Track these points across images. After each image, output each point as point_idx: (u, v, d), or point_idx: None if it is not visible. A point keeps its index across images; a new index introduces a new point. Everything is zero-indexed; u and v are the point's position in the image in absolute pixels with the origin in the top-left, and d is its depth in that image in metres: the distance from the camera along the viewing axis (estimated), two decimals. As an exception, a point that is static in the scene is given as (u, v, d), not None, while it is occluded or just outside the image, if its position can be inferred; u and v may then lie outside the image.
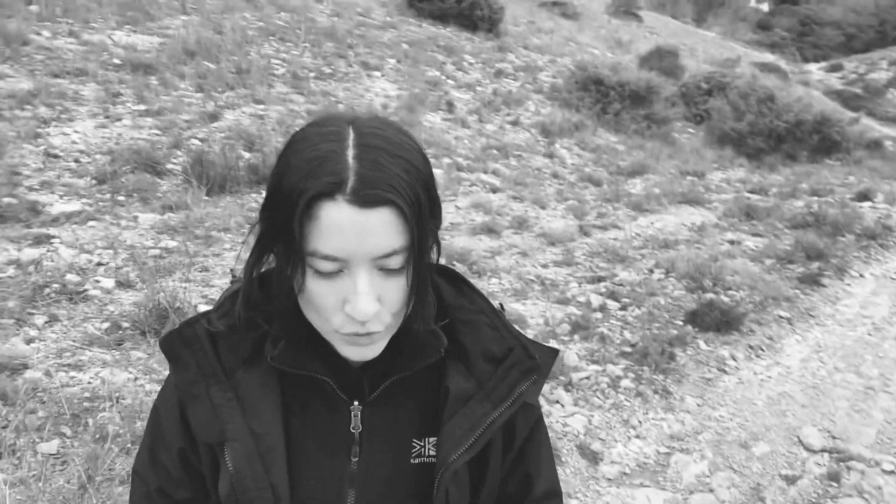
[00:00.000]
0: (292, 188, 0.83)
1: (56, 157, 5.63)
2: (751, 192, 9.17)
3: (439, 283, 1.04)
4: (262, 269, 0.95)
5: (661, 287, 5.36)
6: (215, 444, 0.98)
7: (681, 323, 4.80)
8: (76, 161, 5.66)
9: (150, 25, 9.07)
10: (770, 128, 12.80)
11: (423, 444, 1.02)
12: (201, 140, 6.57)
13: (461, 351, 1.02)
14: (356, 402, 1.00)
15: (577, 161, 9.67)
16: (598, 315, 4.81)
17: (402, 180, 0.83)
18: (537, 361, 1.03)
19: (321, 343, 0.95)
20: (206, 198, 5.65)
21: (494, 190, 7.52)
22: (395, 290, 0.88)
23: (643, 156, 10.50)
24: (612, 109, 11.88)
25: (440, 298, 1.03)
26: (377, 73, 10.12)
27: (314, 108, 8.10)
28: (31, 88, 6.48)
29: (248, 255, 0.93)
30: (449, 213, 6.55)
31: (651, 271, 5.72)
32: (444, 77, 10.90)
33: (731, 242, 6.77)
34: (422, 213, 0.86)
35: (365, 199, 0.82)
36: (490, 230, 6.25)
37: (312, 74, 9.20)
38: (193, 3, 10.29)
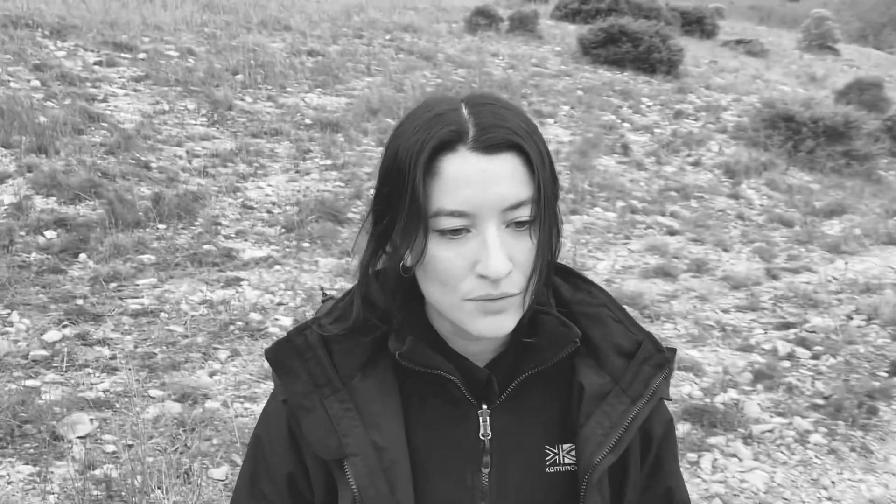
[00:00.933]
0: (409, 149, 0.80)
1: (251, 208, 6.14)
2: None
3: (554, 279, 0.96)
4: (377, 268, 0.91)
5: (861, 335, 4.84)
6: (332, 461, 0.90)
7: (885, 374, 4.29)
8: (268, 212, 6.14)
9: (338, 87, 9.74)
10: None
11: (556, 451, 0.94)
12: (379, 190, 6.91)
13: (589, 346, 0.94)
14: (484, 406, 0.92)
15: (766, 202, 9.08)
16: (786, 364, 4.42)
17: (523, 128, 0.81)
18: (666, 355, 0.94)
19: (444, 344, 0.91)
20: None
21: (672, 232, 7.22)
22: (525, 249, 0.82)
23: (842, 195, 9.67)
24: (804, 147, 11.08)
25: (557, 295, 0.96)
26: (550, 120, 10.16)
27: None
28: (233, 147, 7.16)
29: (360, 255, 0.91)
30: (621, 256, 6.37)
31: (850, 317, 5.18)
32: (619, 120, 10.73)
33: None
34: (545, 163, 0.82)
35: (488, 143, 0.79)
36: (665, 273, 5.98)
37: (487, 124, 9.41)
38: (378, 65, 10.95)
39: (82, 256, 4.96)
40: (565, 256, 5.68)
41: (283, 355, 0.93)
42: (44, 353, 3.78)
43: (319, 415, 0.90)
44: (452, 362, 0.91)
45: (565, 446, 0.94)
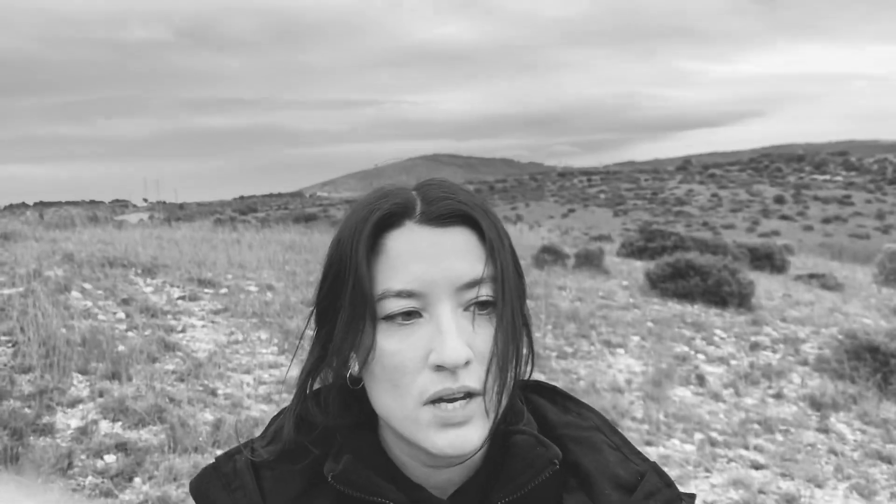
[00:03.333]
0: (351, 229, 0.73)
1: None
2: None
3: (537, 400, 0.84)
4: (318, 387, 0.79)
5: None
6: None
7: None
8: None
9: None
10: None
11: None
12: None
13: (580, 477, 0.77)
14: None
15: (861, 436, 8.43)
16: None
17: (473, 202, 0.73)
18: (678, 491, 0.76)
19: (396, 471, 0.77)
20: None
21: (757, 466, 6.69)
22: (486, 338, 0.71)
23: (945, 432, 8.92)
24: (895, 379, 10.49)
25: (541, 417, 0.82)
26: (620, 350, 10.01)
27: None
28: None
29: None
30: (702, 491, 5.87)
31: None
32: (692, 352, 10.48)
33: None
34: (503, 241, 0.73)
35: (437, 214, 0.72)
36: (753, 511, 5.44)
37: (554, 354, 9.31)
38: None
39: (136, 480, 4.87)
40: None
41: (207, 486, 0.80)
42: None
43: None
44: (404, 492, 0.75)
45: None
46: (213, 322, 8.61)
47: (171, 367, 6.91)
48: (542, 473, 0.76)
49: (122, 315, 8.14)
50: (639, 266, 15.79)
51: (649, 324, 11.51)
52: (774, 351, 11.50)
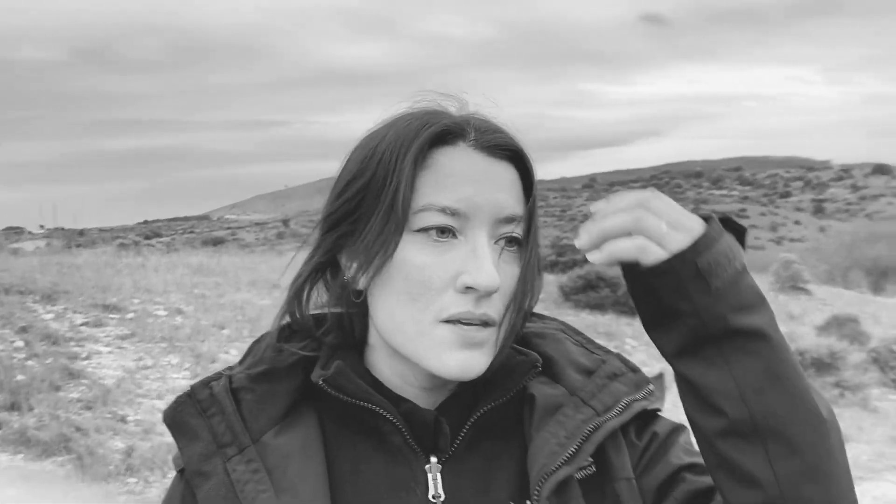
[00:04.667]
0: (397, 139, 0.71)
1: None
2: None
3: None
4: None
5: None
6: None
7: None
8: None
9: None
10: None
11: None
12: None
13: (543, 365, 0.79)
14: (433, 459, 0.75)
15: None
16: None
17: (520, 141, 0.75)
18: (645, 375, 0.79)
19: (382, 387, 0.76)
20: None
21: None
22: (510, 274, 0.72)
23: (843, 426, 9.46)
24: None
25: None
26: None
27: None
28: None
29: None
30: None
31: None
32: (606, 361, 10.77)
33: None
34: (534, 190, 0.74)
35: (494, 144, 0.72)
36: None
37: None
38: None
39: (42, 514, 4.60)
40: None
41: (182, 414, 0.76)
42: None
43: (219, 479, 0.72)
44: (393, 402, 0.75)
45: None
46: (120, 348, 8.26)
47: (76, 395, 6.58)
48: (524, 376, 0.77)
49: (20, 343, 7.70)
50: (552, 279, 16.11)
51: (564, 335, 11.76)
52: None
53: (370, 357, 0.79)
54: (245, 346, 0.83)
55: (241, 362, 0.81)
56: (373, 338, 0.78)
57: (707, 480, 0.73)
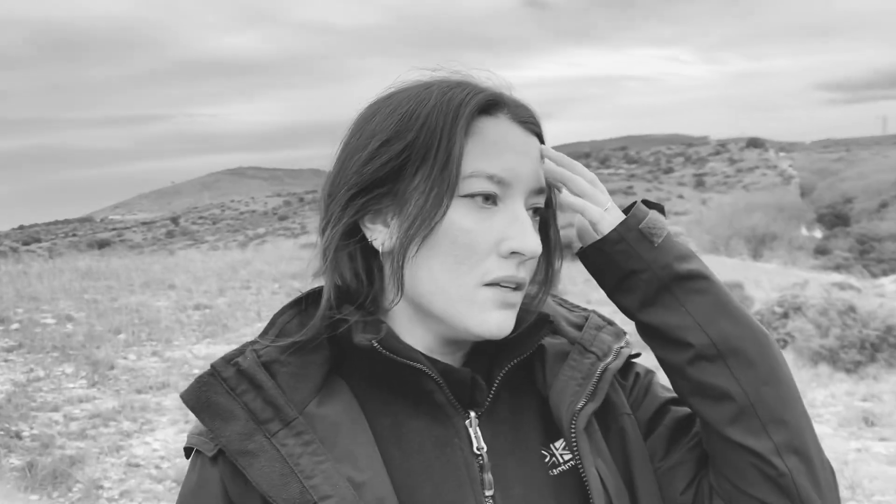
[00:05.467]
0: (445, 107, 0.72)
1: (137, 465, 5.61)
2: (863, 400, 8.50)
3: None
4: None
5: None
6: None
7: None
8: (156, 467, 5.62)
9: (228, 335, 9.55)
10: (861, 338, 12.21)
11: (551, 451, 0.82)
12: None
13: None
14: (472, 413, 0.79)
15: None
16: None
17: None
18: (620, 327, 0.91)
19: (411, 348, 0.79)
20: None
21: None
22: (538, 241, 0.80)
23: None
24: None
25: None
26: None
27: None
28: (115, 406, 6.69)
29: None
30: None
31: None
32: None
33: (858, 451, 6.13)
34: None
35: (526, 119, 0.77)
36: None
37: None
38: (269, 311, 10.90)
39: (-66, 543, 4.28)
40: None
41: (209, 394, 0.74)
42: None
43: (270, 455, 0.70)
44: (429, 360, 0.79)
45: (558, 444, 0.83)
46: (6, 360, 7.76)
47: (-39, 414, 6.14)
48: (541, 330, 0.83)
49: None
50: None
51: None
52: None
53: (397, 320, 0.82)
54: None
55: (262, 335, 0.80)
56: (389, 303, 0.79)
57: (686, 410, 0.85)
